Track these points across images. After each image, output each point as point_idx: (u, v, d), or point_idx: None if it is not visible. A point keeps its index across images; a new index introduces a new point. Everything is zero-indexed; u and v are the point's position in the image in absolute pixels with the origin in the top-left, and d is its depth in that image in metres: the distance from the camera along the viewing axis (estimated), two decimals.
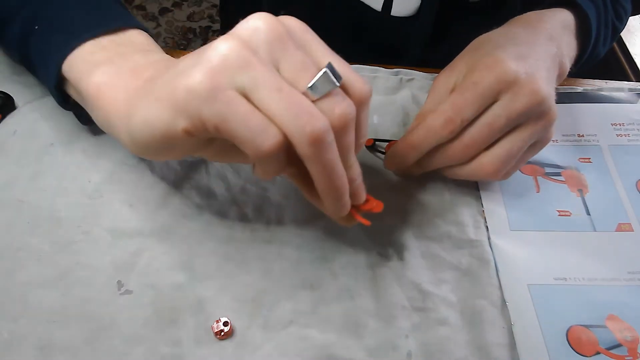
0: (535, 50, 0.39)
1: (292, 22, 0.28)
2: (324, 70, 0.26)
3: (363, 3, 0.52)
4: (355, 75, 0.28)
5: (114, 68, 0.33)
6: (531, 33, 0.41)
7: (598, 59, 0.51)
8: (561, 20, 0.44)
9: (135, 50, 0.35)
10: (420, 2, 0.50)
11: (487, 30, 0.42)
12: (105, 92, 0.32)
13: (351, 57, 0.48)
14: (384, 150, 0.43)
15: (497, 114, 0.36)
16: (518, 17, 0.44)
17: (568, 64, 0.43)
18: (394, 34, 0.53)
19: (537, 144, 0.40)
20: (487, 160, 0.38)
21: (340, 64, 0.28)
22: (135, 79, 0.31)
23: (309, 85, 0.26)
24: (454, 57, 0.41)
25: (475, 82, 0.36)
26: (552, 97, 0.37)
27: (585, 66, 0.47)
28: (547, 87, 0.37)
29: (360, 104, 0.28)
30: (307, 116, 0.25)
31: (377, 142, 0.44)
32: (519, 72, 0.36)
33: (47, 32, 0.36)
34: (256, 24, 0.26)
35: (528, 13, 0.44)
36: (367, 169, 0.43)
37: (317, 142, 0.26)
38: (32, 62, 0.39)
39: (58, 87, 0.36)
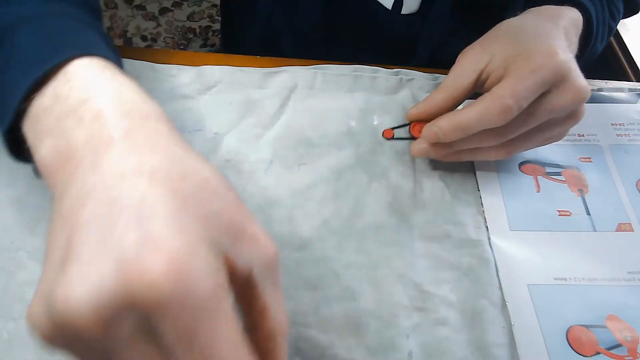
0: (565, 44, 0.39)
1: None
2: None
3: (374, 1, 0.52)
4: None
5: (51, 145, 0.25)
6: (554, 27, 0.40)
7: (594, 58, 0.51)
8: (573, 19, 0.43)
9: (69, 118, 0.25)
10: None
11: (492, 24, 0.41)
12: (46, 176, 0.26)
13: (360, 56, 0.49)
14: (408, 136, 0.43)
15: (544, 106, 0.36)
16: (536, 9, 0.43)
17: None
18: (404, 33, 0.53)
19: (554, 137, 0.40)
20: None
21: None
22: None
23: None
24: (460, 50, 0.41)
25: (534, 70, 0.35)
26: (590, 91, 0.37)
27: (581, 64, 0.48)
28: (587, 84, 0.37)
29: None
30: None
31: (396, 130, 0.44)
32: (571, 67, 0.36)
33: (5, 65, 0.29)
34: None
35: (545, 7, 0.43)
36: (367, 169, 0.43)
37: None
38: None
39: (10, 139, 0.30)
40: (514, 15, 0.43)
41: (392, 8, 0.51)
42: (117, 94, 0.25)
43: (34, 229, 0.38)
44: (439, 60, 0.53)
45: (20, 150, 0.29)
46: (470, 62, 0.39)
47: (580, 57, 0.46)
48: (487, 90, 0.37)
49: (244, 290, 0.23)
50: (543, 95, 0.36)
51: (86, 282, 0.18)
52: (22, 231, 0.38)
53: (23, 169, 0.40)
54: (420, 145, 0.41)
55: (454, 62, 0.41)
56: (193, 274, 0.18)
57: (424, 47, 0.54)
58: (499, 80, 0.37)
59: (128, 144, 0.22)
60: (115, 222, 0.19)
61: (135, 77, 0.46)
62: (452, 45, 0.54)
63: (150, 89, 0.46)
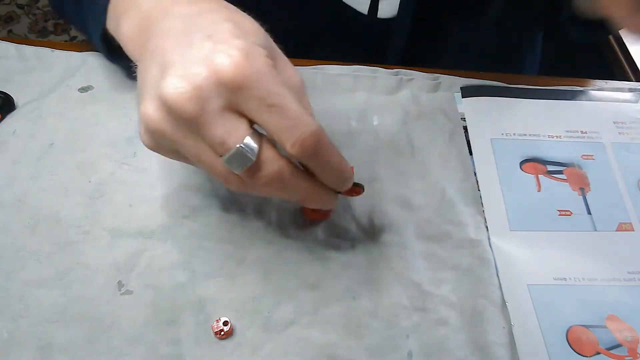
0: None
1: (236, 77, 0.26)
2: (237, 146, 0.27)
3: (349, 7, 0.52)
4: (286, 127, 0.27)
5: (129, 19, 0.33)
6: None
7: None
8: None
9: None
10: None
11: (470, 27, 0.39)
12: (127, 46, 0.33)
13: (334, 57, 0.49)
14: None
15: None
16: None
17: None
18: (378, 34, 0.53)
19: None
20: None
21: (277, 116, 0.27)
22: (140, 39, 0.31)
23: (224, 159, 0.27)
24: (437, 54, 0.39)
25: None
26: None
27: None
28: None
29: (302, 155, 0.27)
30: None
31: None
32: None
33: None
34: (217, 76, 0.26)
35: None
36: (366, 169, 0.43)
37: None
38: (85, 25, 0.41)
39: (106, 46, 0.38)
40: (490, 12, 0.40)
41: (367, 13, 0.51)
42: None
43: (34, 229, 0.38)
44: (413, 58, 0.53)
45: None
46: None
47: None
48: None
49: None
50: None
51: (185, 77, 0.25)
52: (22, 231, 0.38)
53: (23, 168, 0.40)
54: None
55: (428, 59, 0.39)
56: (255, 59, 0.26)
57: (396, 46, 0.54)
58: None
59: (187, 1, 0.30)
60: (193, 41, 0.26)
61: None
62: (426, 43, 0.54)
63: None
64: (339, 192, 0.33)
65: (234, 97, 0.26)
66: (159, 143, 0.29)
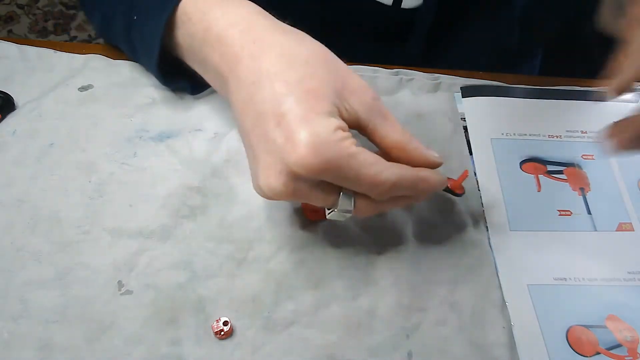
0: None
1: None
2: (334, 210, 0.32)
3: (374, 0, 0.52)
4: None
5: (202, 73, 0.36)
6: None
7: None
8: None
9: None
10: None
11: (489, 25, 0.40)
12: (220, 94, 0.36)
13: (356, 47, 0.48)
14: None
15: None
16: None
17: None
18: (399, 24, 0.53)
19: None
20: None
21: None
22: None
23: (329, 217, 0.32)
24: (459, 49, 0.39)
25: None
26: None
27: None
28: None
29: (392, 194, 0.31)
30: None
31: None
32: None
33: (144, 17, 0.39)
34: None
35: None
36: None
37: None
38: (136, 49, 0.42)
39: (161, 67, 0.40)
40: (510, 10, 0.41)
41: (392, 4, 0.51)
42: (224, 14, 0.34)
43: (34, 229, 0.38)
44: (430, 52, 0.53)
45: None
46: None
47: None
48: None
49: (364, 130, 0.32)
50: None
51: (272, 175, 0.29)
52: (22, 231, 0.38)
53: (23, 168, 0.40)
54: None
55: (445, 56, 0.39)
56: (325, 147, 0.28)
57: (417, 37, 0.54)
58: None
59: (247, 53, 0.31)
60: (266, 130, 0.29)
61: (135, 77, 0.46)
62: (445, 38, 0.54)
63: (151, 89, 0.46)
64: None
65: (318, 178, 0.29)
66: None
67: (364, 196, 0.31)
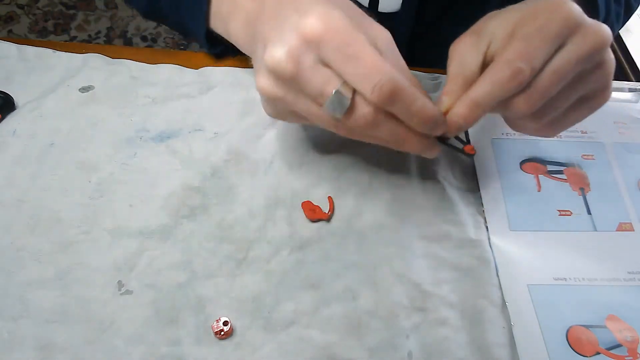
0: None
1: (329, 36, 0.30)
2: (333, 93, 0.30)
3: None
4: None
5: (236, 20, 0.38)
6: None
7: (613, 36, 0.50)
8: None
9: None
10: None
11: (470, 26, 0.40)
12: (238, 43, 0.39)
13: None
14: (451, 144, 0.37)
15: (566, 59, 0.32)
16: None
17: None
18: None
19: (595, 98, 0.36)
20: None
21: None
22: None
23: (325, 107, 0.31)
24: (439, 52, 0.39)
25: (541, 26, 0.32)
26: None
27: None
28: (607, 28, 0.33)
29: (381, 101, 0.30)
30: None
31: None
32: (582, 15, 0.33)
33: None
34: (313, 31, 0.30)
35: None
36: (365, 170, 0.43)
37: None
38: (185, 22, 0.45)
39: (208, 35, 0.43)
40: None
41: (368, 5, 0.52)
42: None
43: (34, 229, 0.38)
44: (415, 55, 0.53)
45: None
46: (470, 48, 0.35)
47: None
48: None
49: None
50: (560, 49, 0.33)
51: (280, 45, 0.30)
52: (22, 231, 0.38)
53: (23, 168, 0.40)
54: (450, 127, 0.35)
55: (430, 58, 0.40)
56: (332, 18, 0.29)
57: (398, 42, 0.54)
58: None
59: None
60: (283, 15, 0.31)
61: (135, 77, 0.46)
62: (428, 40, 0.54)
63: (151, 89, 0.46)
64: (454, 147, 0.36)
65: (320, 51, 0.30)
66: (277, 108, 0.34)
67: (362, 97, 0.31)
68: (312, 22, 0.29)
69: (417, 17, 0.51)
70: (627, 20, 0.53)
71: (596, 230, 0.41)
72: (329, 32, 0.29)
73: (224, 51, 0.46)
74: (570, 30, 0.32)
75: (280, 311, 0.35)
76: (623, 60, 0.98)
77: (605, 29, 0.33)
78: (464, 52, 0.35)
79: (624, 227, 0.41)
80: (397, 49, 0.33)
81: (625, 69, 0.97)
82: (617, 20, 0.49)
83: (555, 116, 0.35)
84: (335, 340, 0.35)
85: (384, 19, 0.52)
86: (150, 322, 0.34)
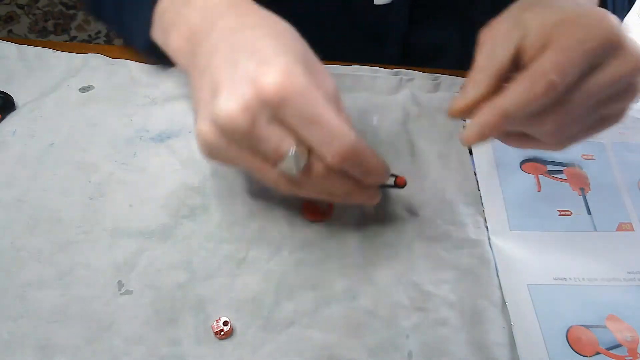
0: None
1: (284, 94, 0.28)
2: (290, 154, 0.29)
3: None
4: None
5: (178, 32, 0.35)
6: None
7: None
8: None
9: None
10: None
11: (465, 16, 0.38)
12: (176, 58, 0.35)
13: (335, 44, 0.49)
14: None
15: (602, 80, 0.30)
16: None
17: None
18: (376, 21, 0.54)
19: (611, 118, 0.34)
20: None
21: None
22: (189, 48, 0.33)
23: (281, 166, 0.30)
24: (433, 45, 0.38)
25: (582, 39, 0.30)
26: None
27: None
28: None
29: (341, 165, 0.30)
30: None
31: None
32: (625, 33, 0.31)
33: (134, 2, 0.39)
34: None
35: None
36: None
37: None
38: (127, 31, 0.42)
39: (151, 50, 0.39)
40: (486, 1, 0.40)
41: None
42: None
43: (34, 229, 0.38)
44: (413, 45, 0.53)
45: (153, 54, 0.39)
46: (502, 38, 0.32)
47: None
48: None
49: None
50: (596, 69, 0.30)
51: (234, 98, 0.28)
52: (22, 231, 0.38)
53: (23, 168, 0.40)
54: (471, 134, 0.33)
55: (428, 48, 0.38)
56: (295, 77, 0.28)
57: (394, 32, 0.54)
58: (539, 55, 0.31)
59: (233, 13, 0.32)
60: (238, 60, 0.29)
61: (135, 77, 0.46)
62: (424, 30, 0.54)
63: (151, 89, 0.46)
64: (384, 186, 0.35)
65: (278, 112, 0.28)
66: (215, 155, 0.31)
67: (317, 158, 0.30)
68: (273, 79, 0.27)
69: (411, 9, 0.51)
70: (630, 9, 0.52)
71: (596, 230, 0.41)
72: (290, 94, 0.28)
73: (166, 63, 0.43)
74: (611, 49, 0.30)
75: (280, 311, 0.35)
76: None
77: None
78: (496, 40, 0.33)
79: (624, 227, 0.41)
80: (341, 100, 0.32)
81: None
82: (622, 10, 0.49)
83: (570, 134, 0.33)
84: (335, 340, 0.35)
85: (379, 12, 0.52)
86: (150, 322, 0.34)
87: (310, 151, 0.30)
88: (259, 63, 0.28)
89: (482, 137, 0.32)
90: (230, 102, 0.28)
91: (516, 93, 0.30)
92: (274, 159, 0.30)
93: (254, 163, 0.30)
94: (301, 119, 0.28)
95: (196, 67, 0.32)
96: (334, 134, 0.29)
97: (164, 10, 0.36)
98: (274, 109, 0.28)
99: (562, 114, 0.31)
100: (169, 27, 0.35)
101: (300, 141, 0.29)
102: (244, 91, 0.28)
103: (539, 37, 0.31)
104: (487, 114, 0.31)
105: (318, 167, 0.31)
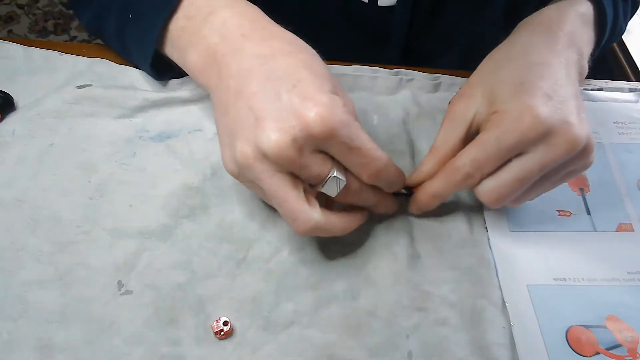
0: (559, 76, 0.36)
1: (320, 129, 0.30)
2: (332, 176, 0.32)
3: None
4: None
5: (197, 51, 0.36)
6: (550, 42, 0.38)
7: (621, 35, 0.50)
8: (580, 15, 0.41)
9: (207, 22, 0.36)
10: None
11: (469, 20, 0.40)
12: (195, 75, 0.37)
13: (340, 45, 0.49)
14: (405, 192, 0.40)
15: (528, 166, 0.34)
16: (535, 16, 0.41)
17: (587, 65, 0.40)
18: (379, 23, 0.54)
19: (570, 175, 0.37)
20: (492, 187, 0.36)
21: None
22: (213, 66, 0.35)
23: (323, 187, 0.33)
24: (435, 44, 0.39)
25: (499, 138, 0.33)
26: (588, 133, 0.34)
27: (606, 47, 0.45)
28: (582, 129, 0.33)
29: (374, 182, 0.34)
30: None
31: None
32: (553, 120, 0.33)
33: (140, 17, 0.41)
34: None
35: (546, 10, 0.41)
36: None
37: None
38: (129, 48, 0.44)
39: (155, 66, 0.42)
40: (493, 10, 0.41)
41: (368, 1, 0.52)
42: (230, 3, 0.36)
43: (34, 229, 0.38)
44: (415, 49, 0.54)
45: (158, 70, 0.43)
46: (461, 115, 0.37)
47: (599, 44, 0.44)
48: None
49: None
50: (526, 155, 0.34)
51: (283, 131, 0.30)
52: (22, 231, 0.38)
53: (23, 168, 0.40)
54: (412, 208, 0.40)
55: (431, 51, 0.40)
56: (337, 110, 0.30)
57: (397, 35, 0.54)
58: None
59: (258, 36, 0.34)
60: (279, 92, 0.31)
61: (136, 78, 0.46)
62: (427, 33, 0.54)
63: (151, 89, 0.46)
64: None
65: (322, 144, 0.31)
66: (244, 176, 0.33)
67: (354, 176, 0.34)
68: (319, 116, 0.30)
69: (413, 9, 0.52)
70: (634, 15, 0.52)
71: (596, 231, 0.41)
72: (333, 130, 0.30)
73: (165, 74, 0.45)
74: (535, 139, 0.33)
75: (280, 311, 0.35)
76: (623, 60, 0.98)
77: (580, 134, 0.33)
78: (454, 117, 0.37)
79: (624, 227, 0.41)
80: (357, 115, 0.34)
81: (625, 69, 0.97)
82: (624, 18, 0.49)
83: (523, 200, 0.37)
84: (335, 340, 0.35)
85: (383, 13, 0.52)
86: (150, 322, 0.34)
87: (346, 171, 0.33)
88: (302, 98, 0.30)
89: (420, 211, 0.39)
90: (278, 133, 0.30)
91: (440, 180, 0.37)
92: (318, 181, 0.32)
93: (277, 188, 0.32)
94: (344, 148, 0.31)
95: (226, 88, 0.33)
96: (371, 157, 0.32)
97: (181, 28, 0.38)
98: (319, 142, 0.30)
99: (495, 197, 0.35)
100: (187, 45, 0.37)
101: (339, 165, 0.32)
102: (291, 124, 0.30)
103: (484, 117, 0.36)
104: (421, 194, 0.38)
105: (354, 185, 0.34)
